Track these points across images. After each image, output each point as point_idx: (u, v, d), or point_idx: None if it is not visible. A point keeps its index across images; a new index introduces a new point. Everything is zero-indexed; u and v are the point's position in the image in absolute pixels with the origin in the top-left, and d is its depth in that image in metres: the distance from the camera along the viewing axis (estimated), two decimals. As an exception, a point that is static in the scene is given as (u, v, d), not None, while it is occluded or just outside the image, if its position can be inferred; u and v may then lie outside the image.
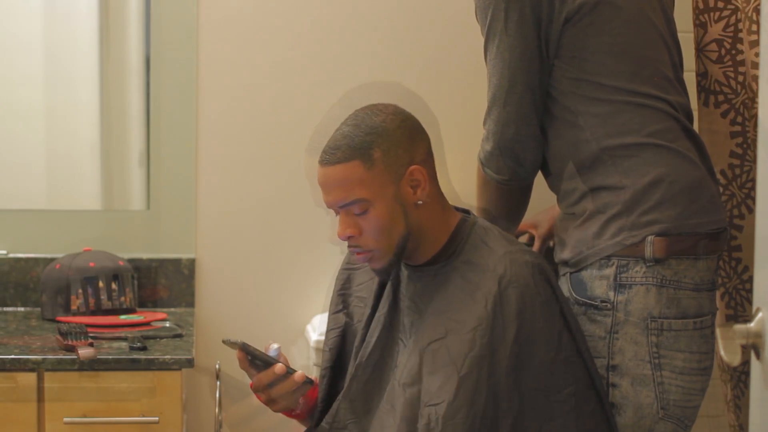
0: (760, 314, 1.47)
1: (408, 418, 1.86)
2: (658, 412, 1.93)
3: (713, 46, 2.20)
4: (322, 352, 2.08)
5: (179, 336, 2.44)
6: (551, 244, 2.26)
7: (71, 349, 2.25)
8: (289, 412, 2.03)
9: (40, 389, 2.24)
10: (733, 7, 2.19)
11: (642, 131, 1.97)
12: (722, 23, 2.19)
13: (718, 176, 2.20)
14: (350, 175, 1.87)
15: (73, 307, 2.57)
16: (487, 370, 1.83)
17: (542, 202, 2.27)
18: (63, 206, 2.78)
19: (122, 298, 2.61)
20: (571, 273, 1.99)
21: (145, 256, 2.73)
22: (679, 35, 2.11)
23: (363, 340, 2.00)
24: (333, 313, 2.08)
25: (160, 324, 2.55)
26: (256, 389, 1.97)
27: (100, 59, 2.78)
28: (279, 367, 1.93)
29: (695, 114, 2.17)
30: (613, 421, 1.92)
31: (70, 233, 2.72)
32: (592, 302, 1.96)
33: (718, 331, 1.53)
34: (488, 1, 1.98)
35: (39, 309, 2.66)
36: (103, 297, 2.58)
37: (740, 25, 2.17)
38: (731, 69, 2.19)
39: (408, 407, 1.87)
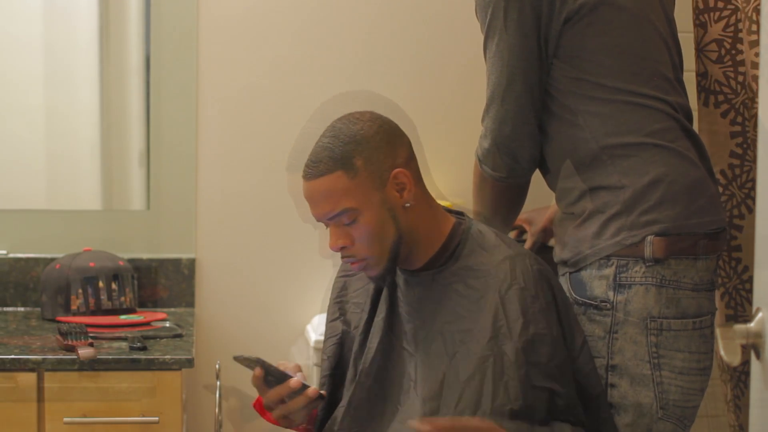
0: (760, 314, 1.46)
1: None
2: (657, 412, 1.93)
3: (713, 46, 2.20)
4: (321, 360, 2.08)
5: (179, 336, 2.45)
6: (550, 243, 2.26)
7: (71, 349, 2.25)
8: (290, 423, 2.02)
9: (40, 389, 2.24)
10: (733, 7, 2.19)
11: (642, 131, 1.97)
12: (722, 23, 2.19)
13: (718, 176, 2.20)
14: (335, 186, 1.86)
15: (73, 307, 2.57)
16: (500, 375, 1.84)
17: (540, 201, 2.27)
18: (63, 206, 2.78)
19: (122, 298, 2.61)
20: (570, 273, 1.99)
21: (145, 256, 2.73)
22: (679, 35, 2.11)
23: (361, 345, 1.99)
24: (330, 322, 2.07)
25: (160, 324, 2.55)
26: (269, 405, 1.94)
27: (100, 59, 2.78)
28: (294, 382, 1.90)
29: (695, 114, 2.17)
30: None
31: (70, 233, 2.72)
32: (592, 302, 1.96)
33: (718, 331, 1.53)
34: (488, -1, 1.98)
35: (39, 309, 2.66)
36: (103, 297, 2.58)
37: (740, 25, 2.17)
38: (731, 69, 2.19)
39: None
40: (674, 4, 2.14)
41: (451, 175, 2.67)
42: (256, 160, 2.74)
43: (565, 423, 1.88)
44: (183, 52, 2.70)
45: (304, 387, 1.91)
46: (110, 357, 2.26)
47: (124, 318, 2.56)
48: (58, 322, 2.50)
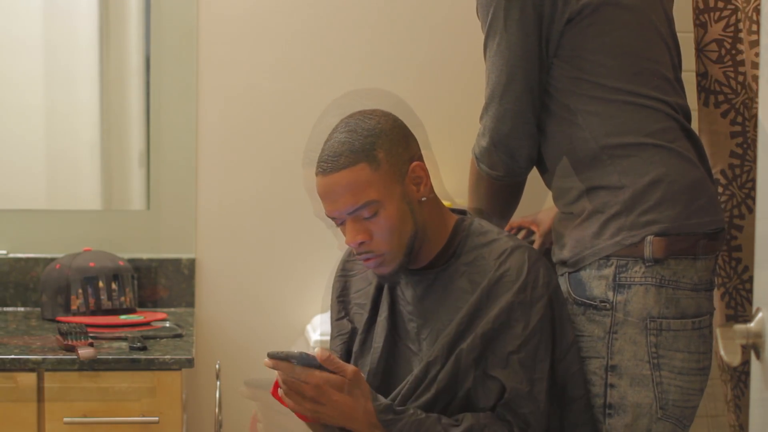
0: (760, 314, 1.46)
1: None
2: (656, 412, 1.93)
3: (713, 46, 2.20)
4: None
5: (179, 336, 2.45)
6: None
7: (71, 349, 2.25)
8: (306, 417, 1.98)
9: (40, 389, 2.24)
10: (733, 7, 2.19)
11: (641, 131, 1.96)
12: (722, 23, 2.19)
13: (719, 176, 2.20)
14: (358, 178, 1.85)
15: (73, 307, 2.57)
16: (458, 360, 1.86)
17: (537, 199, 2.27)
18: (63, 206, 2.78)
19: (122, 298, 2.61)
20: (569, 273, 1.99)
21: (145, 256, 2.73)
22: (679, 35, 2.11)
23: (362, 344, 1.99)
24: (336, 320, 2.07)
25: (160, 324, 2.55)
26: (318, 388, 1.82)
27: (100, 59, 2.78)
28: (322, 352, 1.80)
29: (695, 114, 2.17)
30: None
31: (70, 233, 2.73)
32: (591, 302, 1.96)
33: (718, 331, 1.53)
34: (490, -2, 1.98)
35: (39, 309, 2.66)
36: (103, 297, 2.58)
37: (740, 25, 2.17)
38: (731, 69, 2.19)
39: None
40: (673, 2, 2.15)
41: (456, 176, 2.67)
42: (256, 161, 2.74)
43: (485, 415, 1.86)
44: (183, 52, 2.71)
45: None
46: (110, 357, 2.26)
47: (124, 318, 2.56)
48: (58, 322, 2.50)
